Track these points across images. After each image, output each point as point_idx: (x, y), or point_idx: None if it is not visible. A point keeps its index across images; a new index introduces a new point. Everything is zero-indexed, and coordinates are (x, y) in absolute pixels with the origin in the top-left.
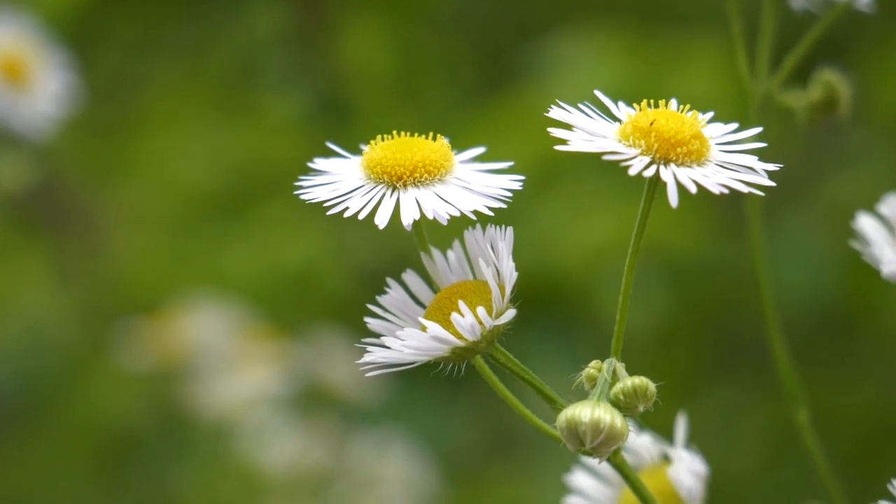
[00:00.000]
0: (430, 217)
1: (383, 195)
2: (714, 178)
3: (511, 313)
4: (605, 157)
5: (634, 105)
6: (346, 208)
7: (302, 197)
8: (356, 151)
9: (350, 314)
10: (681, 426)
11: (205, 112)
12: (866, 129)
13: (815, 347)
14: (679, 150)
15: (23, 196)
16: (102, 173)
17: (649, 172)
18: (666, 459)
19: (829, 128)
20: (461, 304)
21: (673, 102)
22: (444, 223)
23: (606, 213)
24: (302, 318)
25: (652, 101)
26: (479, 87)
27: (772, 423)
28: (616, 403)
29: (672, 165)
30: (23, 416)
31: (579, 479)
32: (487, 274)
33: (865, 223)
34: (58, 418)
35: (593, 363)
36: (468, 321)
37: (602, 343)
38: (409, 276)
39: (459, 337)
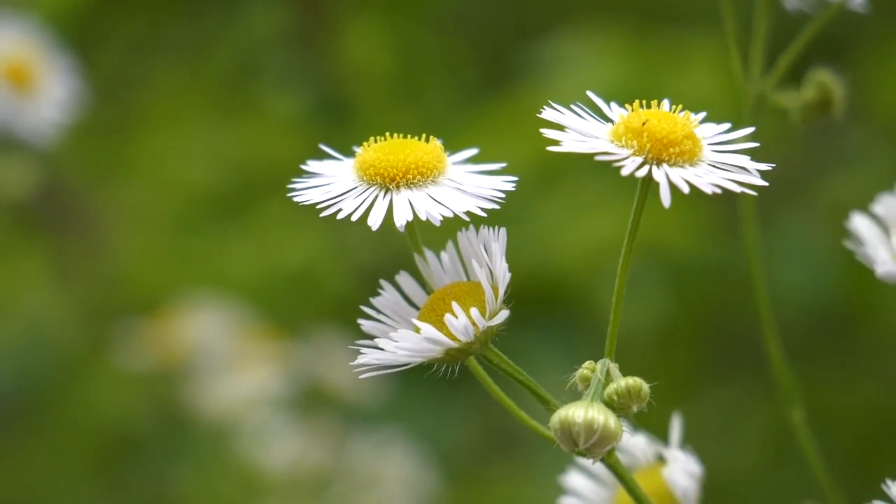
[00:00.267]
0: (423, 218)
1: (376, 197)
2: (706, 178)
3: (504, 314)
4: (598, 158)
5: (630, 105)
6: (340, 210)
7: (295, 199)
8: (355, 152)
9: (350, 314)
10: (675, 427)
11: (205, 112)
12: (866, 128)
13: (815, 347)
14: (671, 150)
15: (27, 196)
16: (103, 173)
17: (641, 173)
18: (661, 460)
19: (828, 128)
20: (454, 306)
21: (665, 103)
22: (437, 224)
23: (606, 213)
24: (302, 318)
25: (645, 102)
26: (480, 87)
27: (771, 422)
28: (610, 404)
29: (664, 166)
30: (23, 416)
31: (574, 479)
32: (481, 275)
33: (859, 223)
34: (58, 418)
35: (587, 364)
36: (461, 322)
37: (602, 343)
38: (403, 278)
39: (453, 338)
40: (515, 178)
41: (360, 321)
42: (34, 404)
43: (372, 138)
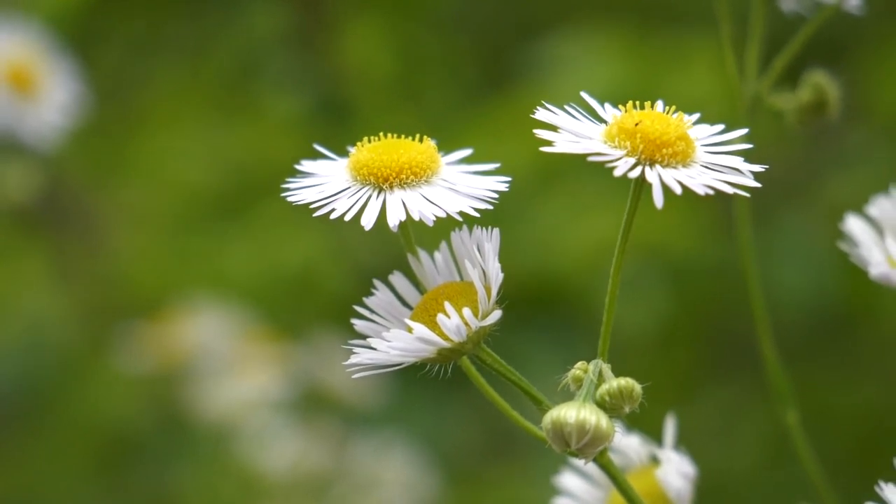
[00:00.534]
0: (416, 218)
1: (369, 197)
2: (699, 179)
3: (497, 315)
4: (590, 159)
5: (624, 106)
6: (333, 210)
7: (289, 199)
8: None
9: (349, 316)
10: (670, 427)
11: (205, 112)
12: (865, 129)
13: (815, 348)
14: (664, 151)
15: (32, 198)
16: (103, 173)
17: (634, 174)
18: (655, 461)
19: (828, 129)
20: (447, 306)
21: (659, 104)
22: (430, 224)
23: (606, 214)
24: (302, 319)
25: (639, 102)
26: (480, 87)
27: (771, 423)
28: (602, 404)
29: (657, 167)
30: (23, 417)
31: (568, 480)
32: (473, 275)
33: (854, 224)
34: (58, 418)
35: (579, 364)
36: (454, 322)
37: None
38: (396, 278)
39: (445, 338)
40: (509, 179)
41: (354, 321)
42: (34, 404)
43: (366, 138)
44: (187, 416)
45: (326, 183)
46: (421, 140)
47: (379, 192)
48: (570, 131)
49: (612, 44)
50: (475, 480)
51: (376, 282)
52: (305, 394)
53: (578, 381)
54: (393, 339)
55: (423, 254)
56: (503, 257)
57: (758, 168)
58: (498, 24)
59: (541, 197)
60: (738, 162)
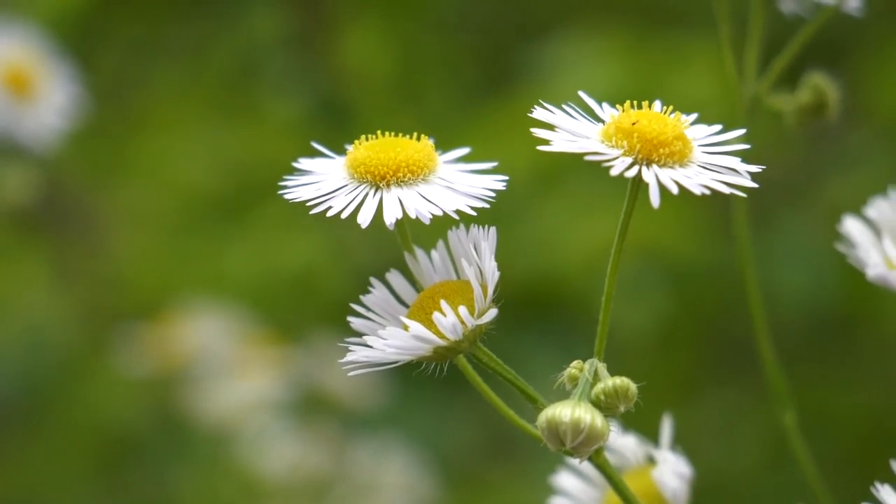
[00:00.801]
0: (413, 216)
1: (366, 195)
2: (696, 179)
3: (493, 313)
4: (587, 158)
5: (625, 104)
6: (330, 207)
7: (286, 196)
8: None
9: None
10: (666, 428)
11: (205, 113)
12: (865, 131)
13: (815, 349)
14: (661, 150)
15: (30, 200)
16: (103, 174)
17: (631, 173)
18: (651, 461)
19: (828, 130)
20: (443, 304)
21: (657, 103)
22: (427, 223)
23: (605, 217)
24: (301, 321)
25: (637, 103)
26: (479, 88)
27: (770, 424)
28: (597, 403)
29: (654, 166)
30: (23, 417)
31: (564, 479)
32: (470, 273)
33: (851, 226)
34: (58, 420)
35: (575, 363)
36: (450, 320)
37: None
38: (393, 276)
39: (441, 336)
40: (506, 178)
41: (350, 318)
42: (34, 405)
43: (364, 136)
44: (187, 418)
45: (323, 181)
46: (419, 138)
47: (376, 190)
48: (568, 130)
49: (611, 45)
50: (474, 483)
51: (373, 280)
52: (305, 396)
53: (574, 380)
54: (389, 337)
55: (419, 252)
56: (502, 259)
57: (755, 168)
58: (498, 25)
59: (540, 199)
60: (735, 162)
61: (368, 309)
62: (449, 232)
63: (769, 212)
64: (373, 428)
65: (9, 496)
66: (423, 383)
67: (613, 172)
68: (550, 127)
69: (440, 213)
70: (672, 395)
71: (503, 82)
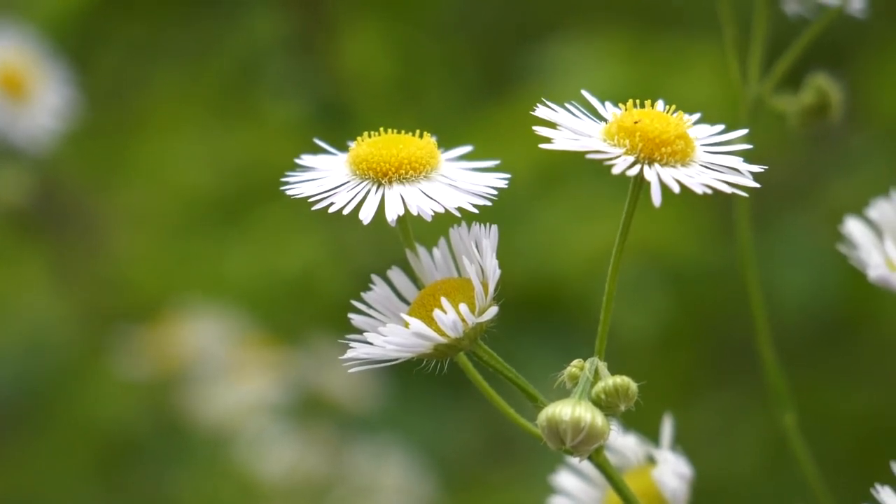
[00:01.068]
0: (415, 213)
1: (368, 191)
2: (698, 178)
3: (493, 311)
4: (589, 157)
5: (628, 103)
6: (332, 204)
7: (288, 192)
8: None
9: (350, 320)
10: (666, 428)
11: (205, 115)
12: (866, 132)
13: (816, 351)
14: (663, 149)
15: (25, 202)
16: (102, 176)
17: (633, 172)
18: (652, 461)
19: (829, 132)
20: (443, 301)
21: (660, 103)
22: (429, 220)
23: (606, 219)
24: (301, 323)
25: (638, 102)
26: (480, 90)
27: (771, 425)
28: (597, 402)
29: (656, 165)
30: (22, 419)
31: (564, 479)
32: (471, 271)
33: (853, 227)
34: (57, 421)
35: (575, 362)
36: (450, 318)
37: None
38: (394, 273)
39: (442, 334)
40: (508, 176)
41: (351, 315)
42: (34, 407)
43: (366, 133)
44: (185, 420)
45: (325, 177)
46: (421, 136)
47: (378, 187)
48: (570, 129)
49: (612, 48)
50: (474, 485)
51: (374, 277)
52: (303, 398)
53: (574, 379)
54: (389, 334)
55: (421, 249)
56: (503, 261)
57: (757, 168)
58: (498, 27)
59: (541, 201)
60: (737, 162)
61: (369, 306)
62: (450, 229)
63: (770, 213)
64: (371, 430)
65: (8, 497)
66: (422, 385)
67: (615, 171)
68: (553, 125)
69: (442, 211)
70: (672, 396)
71: (503, 84)
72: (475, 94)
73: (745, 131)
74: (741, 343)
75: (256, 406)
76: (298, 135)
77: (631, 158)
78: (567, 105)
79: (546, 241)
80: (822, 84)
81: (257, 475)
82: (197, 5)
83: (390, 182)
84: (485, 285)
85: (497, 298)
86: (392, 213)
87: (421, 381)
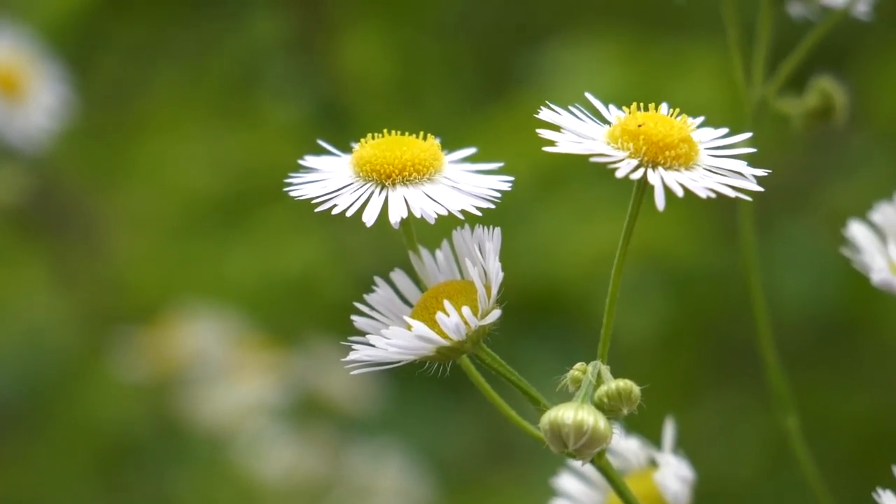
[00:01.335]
0: (418, 215)
1: (372, 193)
2: (702, 182)
3: (496, 314)
4: (593, 160)
5: (632, 106)
6: (335, 205)
7: (291, 193)
8: (353, 148)
9: (348, 322)
10: (668, 431)
11: (206, 117)
12: (867, 135)
13: (817, 353)
14: (667, 153)
15: (23, 202)
16: (103, 177)
17: (636, 175)
18: (654, 464)
19: (830, 134)
20: (446, 304)
21: (663, 106)
22: (432, 222)
23: (608, 221)
24: (301, 325)
25: (642, 105)
26: (480, 93)
27: (772, 428)
28: (600, 406)
29: (660, 169)
30: (22, 420)
31: (566, 481)
32: (474, 274)
33: (857, 231)
34: (57, 422)
35: (578, 365)
36: (453, 321)
37: None
38: (397, 275)
39: (444, 336)
40: (512, 178)
41: (353, 317)
42: (34, 408)
43: (369, 135)
44: (184, 421)
45: (329, 179)
46: (424, 138)
47: (381, 189)
48: (573, 132)
49: (613, 50)
50: (473, 488)
51: (377, 279)
52: (302, 400)
53: (577, 383)
54: (392, 336)
55: (424, 252)
56: (505, 263)
57: (761, 172)
58: (499, 30)
59: (542, 204)
60: (741, 166)
61: (372, 308)
62: (454, 232)
63: (771, 215)
64: (370, 432)
65: (8, 498)
66: (421, 387)
67: (619, 174)
68: (556, 128)
69: (445, 213)
70: (673, 398)
71: (503, 87)
72: (475, 96)
73: (748, 135)
74: (742, 344)
75: (255, 407)
76: (299, 136)
77: (635, 162)
78: (570, 108)
79: (547, 243)
80: (826, 87)
81: (256, 476)
82: (197, 7)
83: (394, 184)
84: (487, 288)
85: (499, 301)
86: (395, 216)
87: (420, 382)
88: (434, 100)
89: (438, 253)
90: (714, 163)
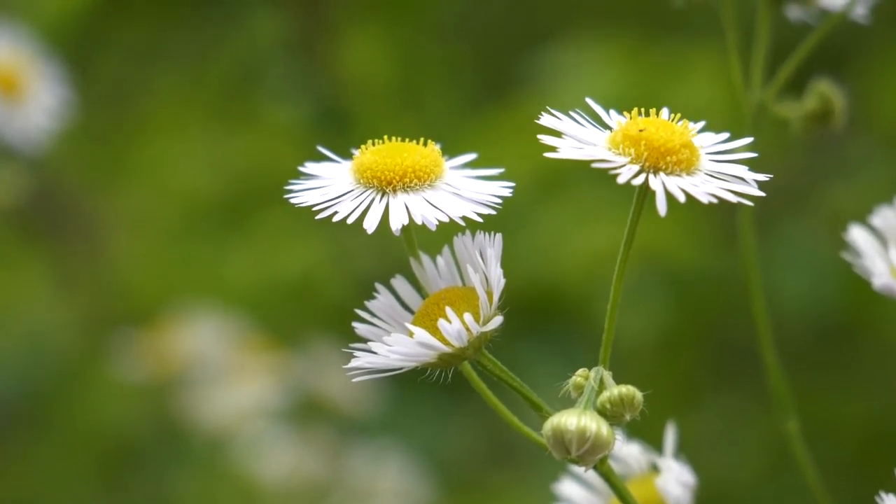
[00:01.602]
0: (419, 222)
1: (373, 200)
2: (703, 187)
3: (498, 320)
4: (594, 165)
5: (628, 113)
6: (336, 213)
7: (292, 201)
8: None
9: (349, 324)
10: (670, 436)
11: (206, 119)
12: (867, 137)
13: (816, 356)
14: (669, 158)
15: (23, 203)
16: (103, 179)
17: (638, 181)
18: (655, 469)
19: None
20: (448, 311)
21: (664, 111)
22: (433, 228)
23: (608, 223)
24: (301, 327)
25: (643, 110)
26: (481, 95)
27: (773, 430)
28: (603, 412)
29: (661, 174)
30: (23, 422)
31: (567, 487)
32: (475, 280)
33: (858, 235)
34: (58, 424)
35: (580, 371)
36: (455, 327)
37: None
38: (398, 282)
39: (446, 343)
40: (513, 184)
41: (355, 324)
42: (34, 410)
43: (370, 141)
44: (185, 423)
45: (329, 185)
46: (425, 144)
47: (382, 196)
48: (575, 137)
49: (613, 52)
50: (474, 489)
51: (378, 285)
52: (302, 402)
53: (579, 389)
54: (394, 343)
55: (425, 258)
56: (506, 265)
57: (762, 177)
58: (499, 31)
59: (542, 206)
60: (742, 171)
61: (373, 314)
62: (455, 238)
63: (770, 219)
64: (370, 433)
65: (9, 499)
66: (422, 388)
67: (620, 180)
68: (557, 134)
69: (446, 220)
70: (674, 401)
71: (504, 88)
72: (476, 97)
73: (749, 139)
74: (742, 346)
75: (255, 409)
76: (299, 138)
77: (636, 167)
78: (571, 113)
79: (547, 245)
80: (825, 90)
81: (256, 478)
82: (198, 8)
83: (394, 191)
84: (489, 294)
85: (501, 306)
86: (396, 223)
87: (420, 384)
88: (435, 101)
89: (439, 259)
90: (715, 168)
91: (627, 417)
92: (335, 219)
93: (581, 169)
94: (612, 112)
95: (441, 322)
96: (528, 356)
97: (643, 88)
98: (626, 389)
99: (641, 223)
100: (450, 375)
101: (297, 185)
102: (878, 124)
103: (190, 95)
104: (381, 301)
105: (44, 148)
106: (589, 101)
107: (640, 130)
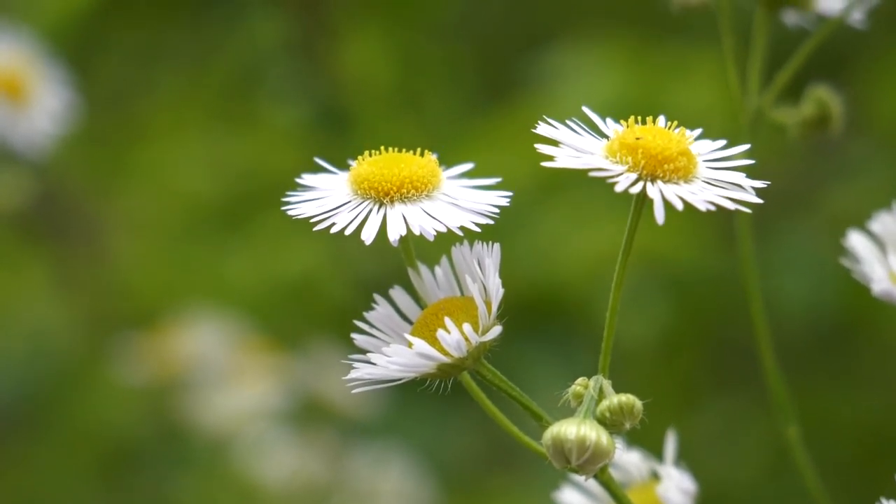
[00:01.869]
0: (417, 233)
1: (370, 211)
2: (701, 194)
3: (497, 330)
4: (592, 174)
5: (626, 119)
6: (333, 224)
7: (289, 213)
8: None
9: (349, 326)
10: (670, 443)
11: (206, 121)
12: (865, 141)
13: (816, 358)
14: (666, 166)
15: (25, 205)
16: (104, 181)
17: (636, 189)
18: (655, 476)
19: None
20: (447, 321)
21: (661, 119)
22: (431, 239)
23: (607, 225)
24: (301, 329)
25: (641, 117)
26: (481, 97)
27: (772, 433)
28: (602, 421)
29: (659, 182)
30: (24, 424)
31: (567, 495)
32: (474, 290)
33: (856, 240)
34: (58, 426)
35: (580, 380)
36: (454, 338)
37: None
38: (397, 292)
39: (445, 354)
40: (510, 194)
41: (354, 335)
42: (35, 412)
43: (367, 152)
44: (186, 425)
45: (327, 197)
46: (422, 154)
47: (379, 207)
48: (572, 146)
49: (613, 55)
50: (474, 491)
51: (376, 296)
52: (303, 404)
53: (579, 397)
54: (393, 354)
55: (423, 268)
56: (504, 269)
57: (760, 184)
58: (499, 33)
59: (541, 208)
60: (739, 178)
61: (372, 325)
62: (453, 248)
63: (769, 222)
64: (371, 435)
65: (10, 500)
66: (422, 392)
67: (618, 189)
68: (554, 142)
69: (444, 230)
70: (673, 405)
71: (504, 90)
72: (476, 99)
73: (746, 146)
74: (742, 348)
75: (256, 411)
76: (299, 140)
77: (633, 176)
78: (568, 121)
79: (546, 247)
80: (822, 96)
81: (257, 480)
82: (198, 10)
83: (392, 201)
84: (488, 304)
85: (499, 315)
86: (394, 234)
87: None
88: (435, 102)
89: (437, 269)
90: (713, 175)
91: (627, 426)
92: (333, 230)
93: (580, 172)
94: (608, 120)
95: (440, 333)
96: (528, 357)
97: (643, 91)
98: (626, 398)
99: (641, 225)
100: (449, 386)
101: (294, 196)
102: (877, 127)
103: (190, 97)
104: (380, 312)
105: (47, 152)
106: (585, 109)
107: (637, 138)
